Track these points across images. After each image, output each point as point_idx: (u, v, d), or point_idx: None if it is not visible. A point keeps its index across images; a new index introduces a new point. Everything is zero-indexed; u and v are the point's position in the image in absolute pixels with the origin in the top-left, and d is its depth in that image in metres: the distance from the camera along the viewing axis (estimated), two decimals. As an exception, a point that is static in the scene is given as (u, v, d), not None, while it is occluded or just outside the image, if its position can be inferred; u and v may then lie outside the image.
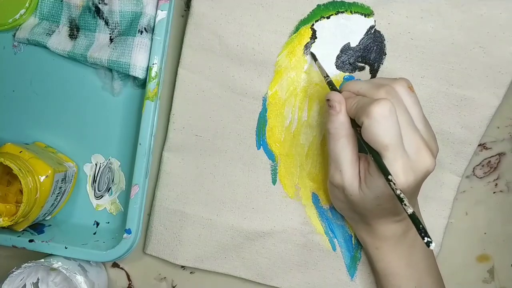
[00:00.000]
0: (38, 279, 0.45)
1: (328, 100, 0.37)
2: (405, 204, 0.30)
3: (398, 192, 0.31)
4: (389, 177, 0.32)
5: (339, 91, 0.38)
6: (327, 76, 0.40)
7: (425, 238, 0.28)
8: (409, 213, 0.30)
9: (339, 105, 0.36)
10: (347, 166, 0.36)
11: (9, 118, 0.48)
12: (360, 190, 0.36)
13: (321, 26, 0.41)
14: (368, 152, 0.35)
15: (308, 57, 0.42)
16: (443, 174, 0.42)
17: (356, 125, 0.36)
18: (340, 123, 0.36)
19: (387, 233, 0.38)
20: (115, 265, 0.48)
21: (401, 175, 0.33)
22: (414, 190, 0.36)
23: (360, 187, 0.36)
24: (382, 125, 0.33)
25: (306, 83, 0.42)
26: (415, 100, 0.36)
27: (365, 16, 0.41)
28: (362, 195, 0.36)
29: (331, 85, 0.39)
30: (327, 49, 0.42)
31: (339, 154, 0.36)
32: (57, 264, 0.42)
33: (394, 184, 0.32)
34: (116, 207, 0.47)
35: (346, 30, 0.41)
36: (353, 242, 0.44)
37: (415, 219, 0.29)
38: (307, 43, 0.42)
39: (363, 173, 0.36)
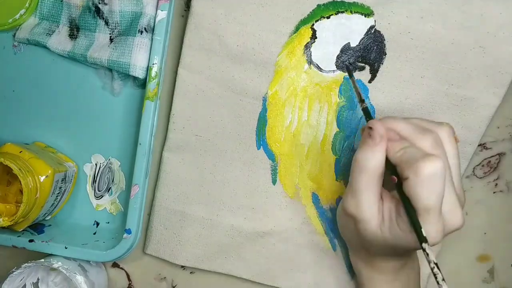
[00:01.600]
0: (38, 279, 0.45)
1: (369, 128, 0.33)
2: (436, 276, 0.30)
3: (432, 265, 0.30)
4: (424, 245, 0.31)
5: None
6: (363, 101, 0.37)
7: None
8: (437, 281, 0.30)
9: (380, 139, 0.33)
10: (366, 201, 0.34)
11: (9, 118, 0.48)
12: (379, 229, 0.34)
13: (321, 26, 0.41)
14: (403, 204, 0.32)
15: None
16: (443, 174, 0.42)
17: (392, 170, 0.33)
18: (375, 159, 0.33)
19: (386, 267, 0.38)
20: (115, 265, 0.48)
21: (433, 236, 0.31)
22: None
23: (381, 228, 0.34)
24: (430, 187, 0.30)
25: (306, 83, 0.42)
26: (456, 151, 0.34)
27: (365, 16, 0.41)
28: (379, 235, 0.34)
29: (367, 115, 0.36)
30: (327, 49, 0.42)
31: (361, 189, 0.34)
32: (57, 264, 0.42)
33: (428, 254, 0.30)
34: (116, 207, 0.47)
35: (346, 30, 0.41)
36: (353, 242, 0.44)
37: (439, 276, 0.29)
38: (307, 43, 0.42)
39: (388, 215, 0.34)
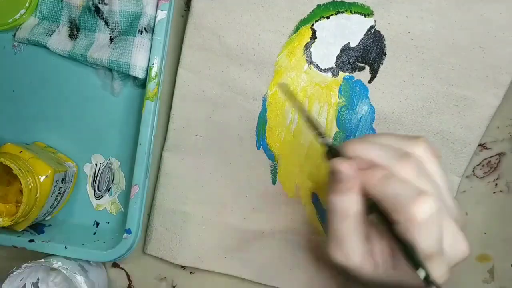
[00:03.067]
0: (38, 279, 0.45)
1: (333, 172, 0.28)
2: None
3: None
4: (423, 275, 0.26)
5: (337, 150, 0.30)
6: (320, 132, 0.31)
7: None
8: None
9: (353, 182, 0.28)
10: (356, 249, 0.29)
11: (9, 118, 0.48)
12: (375, 273, 0.29)
13: (321, 26, 0.41)
14: (399, 248, 0.28)
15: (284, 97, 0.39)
16: (443, 174, 0.42)
17: (377, 211, 0.29)
18: (351, 202, 0.28)
19: None
20: (115, 265, 0.48)
21: (439, 277, 0.27)
22: None
23: (377, 272, 0.29)
24: (427, 232, 0.26)
25: (306, 83, 0.42)
26: (441, 169, 0.29)
27: (365, 16, 0.41)
28: (376, 277, 0.30)
29: (324, 143, 0.31)
30: (327, 49, 0.42)
31: (345, 237, 0.29)
32: (57, 264, 0.42)
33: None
34: (116, 207, 0.47)
35: (346, 30, 0.41)
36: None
37: None
38: (307, 43, 0.42)
39: (381, 259, 0.29)
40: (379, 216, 0.29)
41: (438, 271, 0.27)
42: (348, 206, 0.29)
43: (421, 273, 0.26)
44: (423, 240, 0.26)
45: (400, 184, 0.27)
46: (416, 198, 0.26)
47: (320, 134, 0.31)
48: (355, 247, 0.29)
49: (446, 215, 0.28)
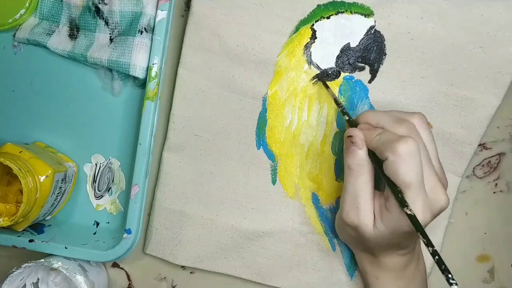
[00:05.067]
0: (38, 279, 0.45)
1: (350, 136, 0.36)
2: (426, 242, 0.32)
3: (424, 241, 0.32)
4: (409, 212, 0.33)
5: (355, 122, 0.38)
6: (341, 105, 0.40)
7: (450, 280, 0.30)
8: (430, 252, 0.31)
9: (362, 142, 0.36)
10: (365, 204, 0.36)
11: (9, 118, 0.48)
12: (374, 227, 0.36)
13: (321, 26, 0.41)
14: (388, 186, 0.35)
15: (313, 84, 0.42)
16: (443, 174, 0.42)
17: (375, 159, 0.36)
18: (363, 159, 0.36)
19: (390, 265, 0.39)
20: (115, 265, 0.48)
21: (420, 213, 0.33)
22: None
23: (375, 224, 0.36)
24: (407, 163, 0.33)
25: (306, 83, 0.42)
26: (431, 136, 0.36)
27: (365, 16, 0.41)
28: (377, 232, 0.36)
29: (346, 114, 0.39)
30: (327, 49, 0.42)
31: (358, 191, 0.36)
32: (57, 264, 0.42)
33: (416, 219, 0.32)
34: (116, 207, 0.47)
35: (346, 30, 0.41)
36: (353, 242, 0.44)
37: (440, 260, 0.31)
38: (307, 43, 0.42)
39: (378, 210, 0.36)
40: (376, 162, 0.35)
41: (418, 205, 0.33)
42: (361, 163, 0.36)
43: (407, 211, 0.33)
44: (404, 170, 0.33)
45: (391, 133, 0.35)
46: (400, 138, 0.33)
47: (342, 109, 0.40)
48: (365, 202, 0.36)
49: (429, 165, 0.34)
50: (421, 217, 0.33)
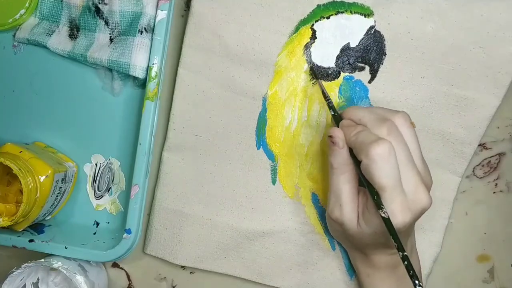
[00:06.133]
0: (38, 279, 0.45)
1: (330, 136, 0.37)
2: (397, 246, 0.32)
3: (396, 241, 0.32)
4: (383, 214, 0.33)
5: (340, 115, 0.38)
6: (329, 98, 0.40)
7: (416, 282, 0.30)
8: (401, 256, 0.32)
9: (342, 142, 0.36)
10: (347, 201, 0.37)
11: (9, 118, 0.48)
12: (358, 225, 0.36)
13: (321, 26, 0.41)
14: (366, 187, 0.35)
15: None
16: (443, 174, 0.42)
17: (355, 159, 0.36)
18: (344, 159, 0.36)
19: (380, 263, 0.39)
20: (115, 265, 0.48)
21: (398, 214, 0.33)
22: (410, 227, 0.37)
23: (358, 222, 0.36)
24: (380, 167, 0.33)
25: (306, 83, 0.42)
26: (414, 136, 0.36)
27: (365, 16, 0.41)
28: (360, 229, 0.36)
29: (332, 109, 0.39)
30: (327, 49, 0.42)
31: (340, 189, 0.37)
32: (57, 264, 0.42)
33: (390, 223, 0.33)
34: (116, 207, 0.47)
35: (346, 30, 0.41)
36: (353, 242, 0.44)
37: (408, 265, 0.31)
38: (307, 43, 0.42)
39: (361, 208, 0.37)
40: (355, 162, 0.36)
41: (395, 206, 0.33)
42: (342, 162, 0.36)
43: (382, 213, 0.33)
44: (377, 174, 0.33)
45: (367, 134, 0.34)
46: (375, 141, 0.33)
47: (329, 103, 0.40)
48: (347, 200, 0.36)
49: (411, 166, 0.34)
50: (399, 219, 0.33)
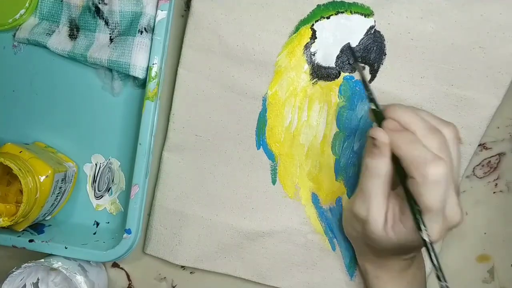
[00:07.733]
0: (38, 279, 0.45)
1: (373, 138, 0.34)
2: (440, 277, 0.31)
3: (435, 262, 0.32)
4: (425, 237, 0.32)
5: (382, 114, 0.35)
6: (370, 90, 0.37)
7: None
8: (438, 276, 0.31)
9: (386, 148, 0.33)
10: (377, 204, 0.35)
11: (9, 118, 0.48)
12: (383, 230, 0.35)
13: (321, 26, 0.41)
14: (407, 201, 0.33)
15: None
16: (443, 174, 0.42)
17: (399, 168, 0.33)
18: (384, 164, 0.34)
19: (393, 267, 0.38)
20: (115, 265, 0.48)
21: (436, 235, 0.32)
22: None
23: (385, 228, 0.35)
24: (432, 189, 0.31)
25: (306, 83, 0.42)
26: (458, 153, 0.34)
27: (365, 16, 0.41)
28: (384, 235, 0.35)
29: (374, 103, 0.36)
30: (327, 49, 0.42)
31: (371, 191, 0.35)
32: (57, 264, 0.42)
33: (434, 254, 0.32)
34: (116, 207, 0.47)
35: (346, 30, 0.41)
36: (353, 242, 0.44)
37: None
38: (307, 43, 0.42)
39: (391, 217, 0.35)
40: (399, 171, 0.34)
41: (435, 228, 0.32)
42: (380, 167, 0.34)
43: (423, 234, 0.32)
44: (429, 196, 0.31)
45: (423, 149, 0.32)
46: (433, 161, 0.31)
47: (370, 95, 0.36)
48: (378, 204, 0.35)
49: (452, 187, 0.33)
50: (435, 238, 0.32)
